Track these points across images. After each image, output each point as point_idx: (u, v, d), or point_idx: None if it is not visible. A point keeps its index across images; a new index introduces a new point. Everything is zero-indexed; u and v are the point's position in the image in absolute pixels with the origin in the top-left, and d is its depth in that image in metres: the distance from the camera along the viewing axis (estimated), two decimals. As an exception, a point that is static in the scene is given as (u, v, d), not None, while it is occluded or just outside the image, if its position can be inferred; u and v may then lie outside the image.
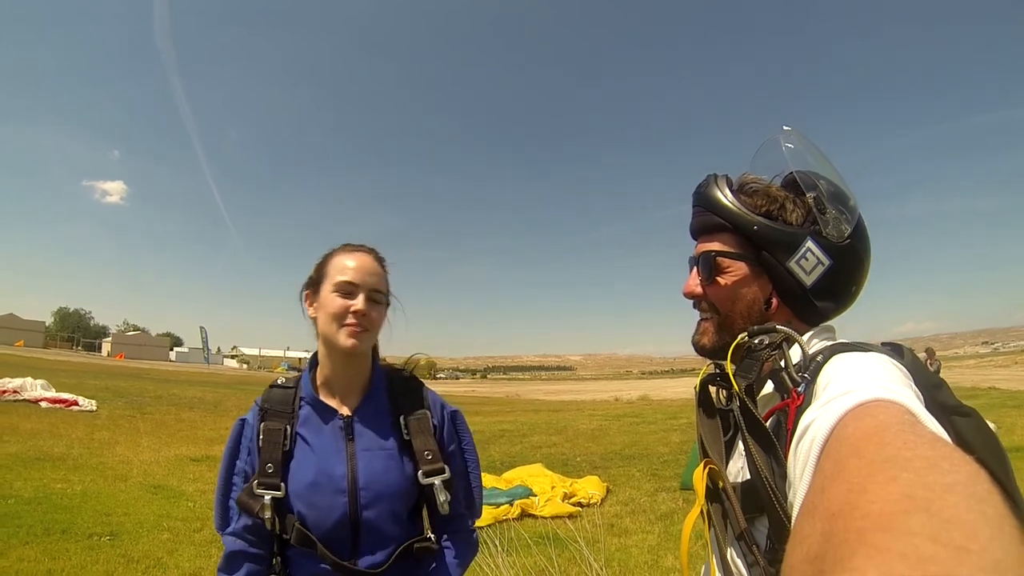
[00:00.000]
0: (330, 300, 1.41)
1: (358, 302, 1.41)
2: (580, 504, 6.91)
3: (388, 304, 1.52)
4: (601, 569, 4.57)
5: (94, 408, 13.25)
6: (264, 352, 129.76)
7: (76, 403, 13.14)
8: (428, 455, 1.43)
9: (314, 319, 1.49)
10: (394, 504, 1.40)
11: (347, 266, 1.44)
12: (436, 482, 1.40)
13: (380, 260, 1.52)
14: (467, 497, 1.55)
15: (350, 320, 1.41)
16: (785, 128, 1.08)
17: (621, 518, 6.41)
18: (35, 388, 13.79)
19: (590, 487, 7.43)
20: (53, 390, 13.94)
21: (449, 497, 1.41)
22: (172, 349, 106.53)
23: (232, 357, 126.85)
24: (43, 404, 12.82)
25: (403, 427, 1.46)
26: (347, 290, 1.42)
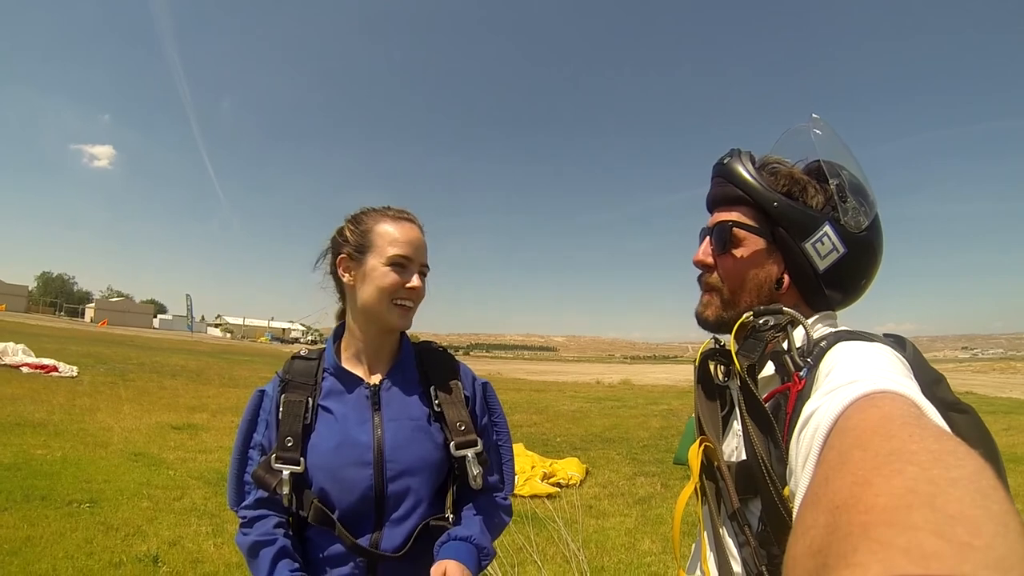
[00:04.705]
0: (382, 274, 1.34)
1: (415, 280, 1.36)
2: (559, 485, 6.97)
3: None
4: (579, 549, 4.63)
5: (75, 374, 13.15)
6: (248, 322, 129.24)
7: (56, 369, 13.03)
8: (461, 426, 1.35)
9: (351, 286, 1.40)
10: (422, 477, 1.33)
11: (399, 238, 1.36)
12: (469, 455, 1.33)
13: (423, 230, 1.44)
14: (499, 471, 1.48)
15: (403, 295, 1.36)
16: (814, 116, 1.07)
17: (599, 500, 6.49)
18: (16, 353, 13.67)
19: (569, 468, 7.48)
20: (33, 355, 13.82)
21: (482, 471, 1.34)
22: (156, 316, 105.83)
23: (216, 326, 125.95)
24: (24, 369, 12.70)
25: (434, 397, 1.39)
26: (401, 264, 1.35)
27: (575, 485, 7.05)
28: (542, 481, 6.87)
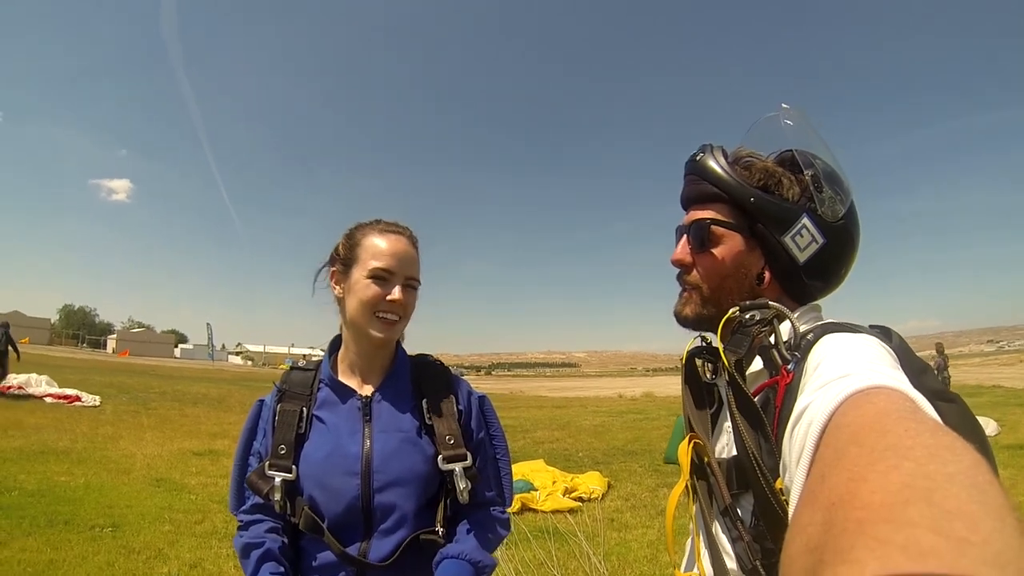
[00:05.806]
0: (363, 286, 1.34)
1: (395, 292, 1.35)
2: (581, 499, 6.91)
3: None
4: (600, 563, 4.58)
5: (98, 404, 13.31)
6: (269, 349, 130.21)
7: (79, 399, 13.21)
8: (450, 440, 1.35)
9: (340, 299, 1.42)
10: (409, 489, 1.32)
11: (383, 251, 1.36)
12: (456, 469, 1.32)
13: (415, 242, 1.44)
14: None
15: (384, 308, 1.35)
16: (784, 106, 1.06)
17: (621, 513, 6.42)
18: (40, 384, 13.88)
19: (591, 482, 7.43)
20: (57, 386, 14.01)
21: (469, 485, 1.32)
22: (177, 346, 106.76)
23: (237, 354, 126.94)
24: (48, 400, 12.90)
25: (425, 410, 1.39)
26: (383, 277, 1.35)
27: (597, 499, 6.97)
28: (563, 496, 6.82)
